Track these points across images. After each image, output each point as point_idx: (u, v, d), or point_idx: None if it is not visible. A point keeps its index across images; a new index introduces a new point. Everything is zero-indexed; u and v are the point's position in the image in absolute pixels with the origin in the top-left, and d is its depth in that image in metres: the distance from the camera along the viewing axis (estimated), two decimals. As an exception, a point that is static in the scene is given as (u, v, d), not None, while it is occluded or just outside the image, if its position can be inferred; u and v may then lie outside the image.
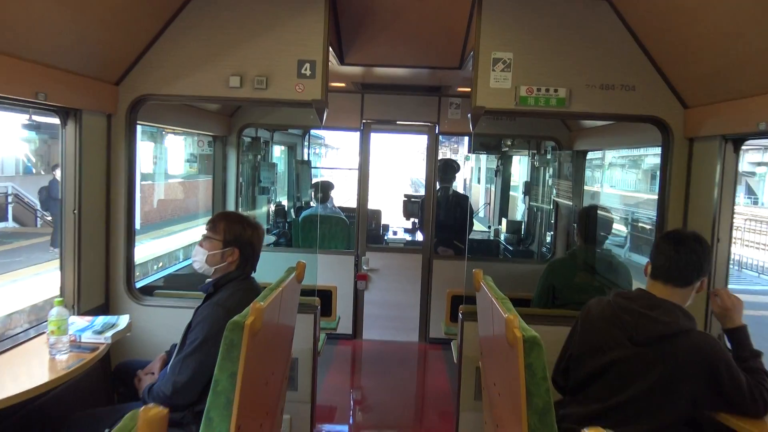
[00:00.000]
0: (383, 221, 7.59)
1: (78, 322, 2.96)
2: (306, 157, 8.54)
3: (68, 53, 2.84)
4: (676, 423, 2.27)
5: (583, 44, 3.29)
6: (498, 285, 2.80)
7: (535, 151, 6.96)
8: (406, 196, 7.55)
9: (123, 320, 2.98)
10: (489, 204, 9.30)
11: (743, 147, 3.08)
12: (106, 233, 3.45)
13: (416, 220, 7.53)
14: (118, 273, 3.49)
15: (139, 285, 3.85)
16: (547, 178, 6.53)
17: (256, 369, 2.19)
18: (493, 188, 9.42)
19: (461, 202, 6.61)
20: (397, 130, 6.52)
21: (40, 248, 14.07)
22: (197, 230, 5.63)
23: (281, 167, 8.64)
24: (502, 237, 7.79)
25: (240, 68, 3.37)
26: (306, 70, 3.34)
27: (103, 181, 3.39)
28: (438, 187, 6.17)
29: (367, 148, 5.97)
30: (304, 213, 6.95)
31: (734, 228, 3.16)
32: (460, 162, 8.93)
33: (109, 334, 2.82)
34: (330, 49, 3.55)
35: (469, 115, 3.38)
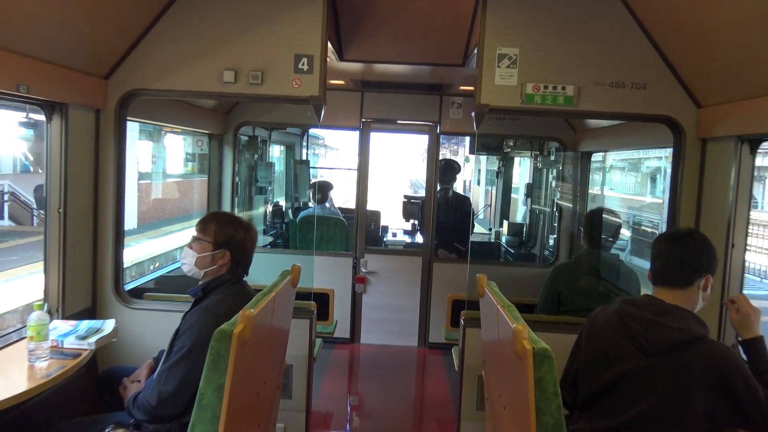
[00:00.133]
0: (382, 222, 7.45)
1: (61, 326, 2.82)
2: (304, 157, 8.41)
3: (53, 44, 2.70)
4: None
5: (592, 40, 3.16)
6: (500, 289, 2.68)
7: (538, 153, 6.83)
8: (405, 197, 7.42)
9: (108, 325, 2.84)
10: (490, 206, 9.17)
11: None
12: (93, 233, 3.31)
13: (416, 222, 7.39)
14: (106, 275, 3.35)
15: (128, 287, 3.72)
16: (550, 180, 6.40)
17: (245, 380, 2.06)
18: (492, 190, 9.29)
19: (462, 203, 6.48)
20: (397, 130, 6.37)
21: (36, 247, 13.90)
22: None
23: (280, 167, 8.51)
24: (503, 240, 7.67)
25: (234, 62, 3.24)
26: (303, 64, 3.21)
27: (90, 180, 3.26)
28: (438, 188, 6.03)
29: (366, 148, 5.83)
30: (302, 213, 6.82)
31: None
32: (461, 163, 8.78)
33: (93, 339, 2.68)
34: (329, 43, 3.42)
35: (473, 114, 3.25)
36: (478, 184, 17.41)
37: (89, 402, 3.02)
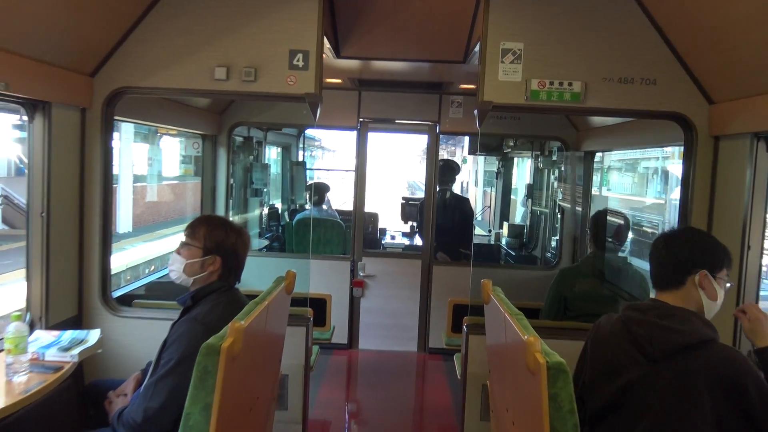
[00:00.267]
0: (380, 225, 7.30)
1: (43, 337, 2.67)
2: (301, 158, 8.27)
3: (35, 40, 2.56)
4: None
5: (600, 34, 3.04)
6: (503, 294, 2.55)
7: (539, 153, 6.69)
8: (404, 198, 7.28)
9: (93, 335, 2.69)
10: (489, 207, 9.03)
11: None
12: (79, 238, 3.16)
13: (414, 224, 7.26)
14: (93, 281, 3.20)
15: (117, 294, 3.58)
16: (552, 180, 6.26)
17: (236, 397, 1.91)
18: (491, 191, 9.16)
19: (461, 205, 6.34)
20: (395, 130, 6.23)
21: (30, 251, 13.69)
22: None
23: (276, 168, 8.38)
24: (503, 241, 7.53)
25: (226, 59, 3.10)
26: (298, 60, 3.07)
27: (75, 182, 3.11)
28: (437, 189, 5.90)
29: (364, 149, 5.69)
30: (298, 216, 6.69)
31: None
32: (459, 164, 8.63)
33: (76, 351, 2.53)
34: (325, 39, 3.28)
35: (475, 112, 3.12)
36: (476, 184, 17.28)
37: (73, 417, 2.87)
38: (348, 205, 6.89)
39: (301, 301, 3.33)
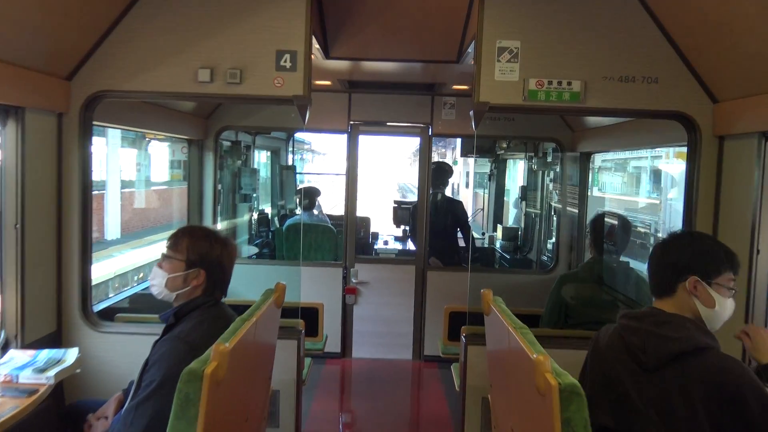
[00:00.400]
0: (372, 229, 7.17)
1: (18, 357, 2.51)
2: (290, 162, 8.13)
3: (6, 41, 2.40)
4: None
5: (600, 31, 2.93)
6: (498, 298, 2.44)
7: (532, 154, 6.59)
8: (396, 202, 7.16)
9: (70, 355, 2.53)
10: (482, 210, 8.92)
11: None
12: (57, 250, 3.00)
13: (407, 228, 7.13)
14: (72, 295, 3.04)
15: (99, 307, 3.43)
16: (547, 182, 6.16)
17: (222, 425, 1.77)
18: (483, 193, 9.06)
19: (453, 207, 6.22)
20: (387, 132, 6.10)
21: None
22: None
23: (266, 173, 8.23)
24: (498, 244, 7.42)
25: (210, 60, 2.96)
26: (286, 61, 2.94)
27: (53, 191, 2.95)
28: (431, 191, 5.77)
29: (354, 152, 5.56)
30: (289, 221, 6.54)
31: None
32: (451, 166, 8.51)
33: (52, 373, 2.37)
34: (314, 39, 3.15)
35: (471, 113, 2.99)
36: (467, 186, 17.18)
37: (53, 441, 2.72)
38: (339, 209, 6.77)
39: (291, 311, 3.19)
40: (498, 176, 8.03)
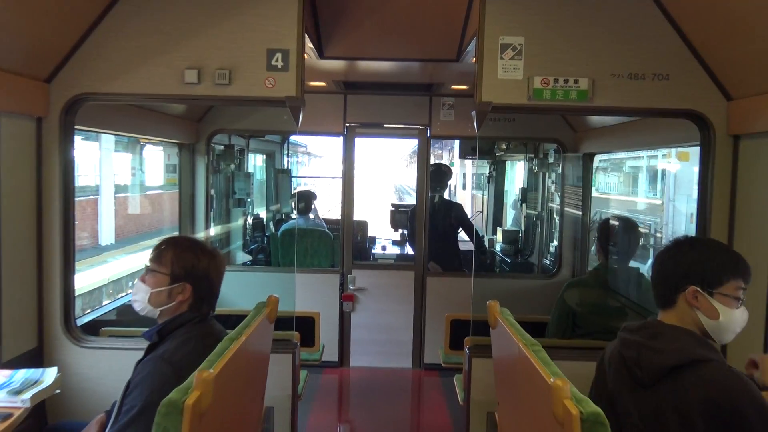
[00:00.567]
0: (370, 233, 7.01)
1: (-7, 377, 2.35)
2: (285, 166, 7.97)
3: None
4: None
5: (607, 26, 2.79)
6: (502, 305, 2.33)
7: (533, 155, 6.45)
8: (393, 205, 7.00)
9: (49, 375, 2.37)
10: (481, 212, 8.78)
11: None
12: (37, 261, 2.84)
13: (405, 231, 6.97)
14: (54, 308, 2.88)
15: (84, 320, 3.27)
16: (548, 184, 6.01)
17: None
18: (481, 195, 8.92)
19: (452, 210, 6.07)
20: (384, 134, 5.94)
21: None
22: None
23: (260, 177, 8.09)
24: (498, 248, 7.28)
25: (197, 60, 2.80)
26: (277, 61, 2.78)
27: (32, 199, 2.79)
28: (430, 194, 5.63)
29: (351, 155, 5.40)
30: (284, 226, 6.39)
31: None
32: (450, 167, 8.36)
33: (28, 395, 2.20)
34: (307, 38, 3.00)
35: (472, 114, 2.84)
36: (464, 188, 17.02)
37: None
38: (336, 213, 6.61)
39: (286, 322, 3.04)
40: (497, 178, 7.88)
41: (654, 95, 2.80)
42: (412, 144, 5.56)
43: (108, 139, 16.68)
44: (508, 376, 2.20)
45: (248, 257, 6.46)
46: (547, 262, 6.09)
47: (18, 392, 2.24)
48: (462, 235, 6.25)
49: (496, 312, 2.31)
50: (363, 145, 5.67)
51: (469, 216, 7.11)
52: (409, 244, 6.66)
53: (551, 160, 5.88)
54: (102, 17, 2.79)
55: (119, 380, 2.47)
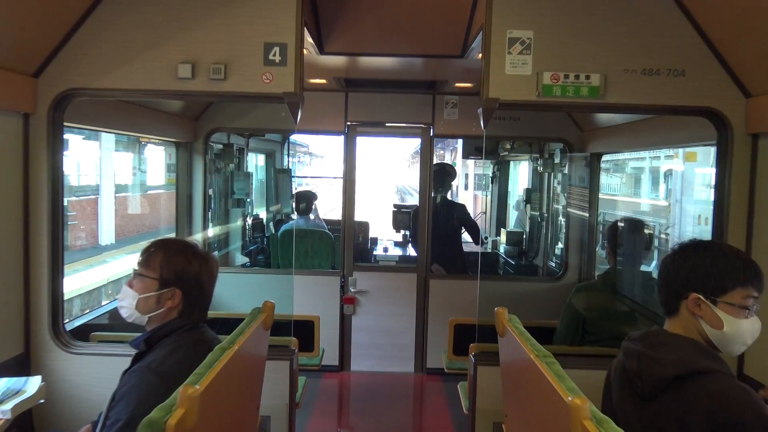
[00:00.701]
0: (371, 234, 6.89)
1: (-26, 386, 2.23)
2: (286, 166, 7.85)
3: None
4: None
5: (620, 19, 2.66)
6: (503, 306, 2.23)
7: (538, 155, 6.32)
8: (395, 206, 6.87)
9: (32, 384, 2.25)
10: (484, 213, 8.66)
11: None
12: (24, 263, 2.72)
13: (407, 232, 6.85)
14: (41, 313, 2.76)
15: (74, 324, 3.16)
16: (554, 184, 5.89)
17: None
18: (483, 195, 8.80)
19: (455, 212, 5.94)
20: (386, 134, 5.82)
21: None
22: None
23: (261, 176, 7.97)
24: (501, 249, 7.15)
25: (191, 54, 2.68)
26: (275, 55, 2.66)
27: (18, 198, 2.67)
28: (433, 195, 5.51)
29: (352, 154, 5.28)
30: (284, 227, 6.27)
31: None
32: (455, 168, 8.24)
33: (9, 406, 2.09)
34: (306, 32, 2.88)
35: (479, 111, 2.72)
36: (467, 189, 16.89)
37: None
38: (337, 214, 6.50)
39: (284, 326, 2.92)
40: (501, 178, 7.76)
41: (669, 92, 2.67)
42: (415, 143, 5.44)
43: (108, 138, 16.60)
44: (518, 388, 2.07)
45: (245, 260, 6.34)
46: (553, 264, 5.97)
47: (-1, 402, 2.12)
48: (464, 236, 6.13)
49: (504, 319, 2.19)
50: (364, 144, 5.55)
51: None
52: (412, 246, 6.54)
53: (557, 160, 5.75)
54: (92, 9, 2.68)
55: (110, 388, 2.34)
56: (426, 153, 5.32)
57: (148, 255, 2.05)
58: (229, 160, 6.05)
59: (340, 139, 5.33)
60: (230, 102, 4.80)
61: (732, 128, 2.65)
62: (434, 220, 5.46)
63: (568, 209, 5.40)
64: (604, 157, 5.06)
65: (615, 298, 3.30)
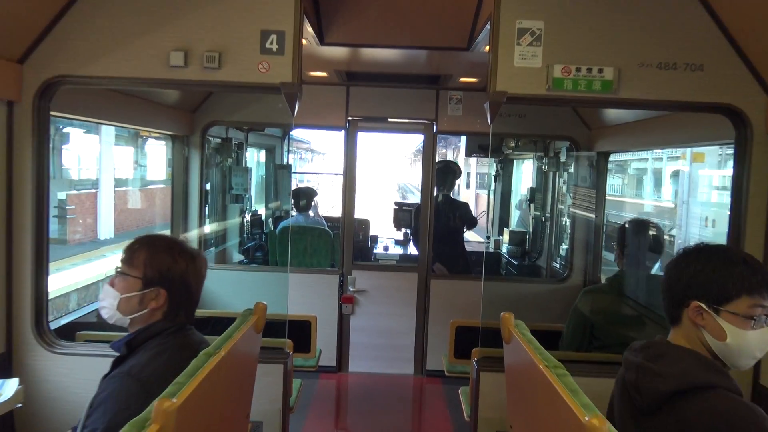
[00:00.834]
0: (371, 232, 6.77)
1: (-51, 388, 2.11)
2: (286, 161, 7.73)
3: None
4: None
5: (636, 9, 2.53)
6: (506, 309, 2.15)
7: (542, 154, 6.19)
8: (397, 203, 6.74)
9: (8, 387, 2.14)
10: (486, 212, 8.53)
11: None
12: (6, 259, 2.60)
13: (408, 231, 6.73)
14: (24, 310, 2.63)
15: (60, 323, 3.03)
16: (559, 183, 5.75)
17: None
18: (485, 194, 8.68)
19: (458, 210, 5.82)
20: (388, 129, 5.68)
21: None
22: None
23: (261, 172, 7.85)
24: (504, 249, 7.03)
25: (184, 41, 2.56)
26: (272, 43, 2.54)
27: (1, 190, 2.55)
28: (435, 193, 5.39)
29: (353, 150, 5.16)
30: (282, 224, 6.15)
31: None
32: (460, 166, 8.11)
33: (-18, 410, 1.97)
34: (306, 22, 2.75)
35: (486, 105, 2.59)
36: (468, 187, 16.80)
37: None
38: (337, 211, 6.39)
39: (278, 326, 2.80)
40: (504, 177, 7.62)
41: (686, 87, 2.54)
42: (417, 140, 5.31)
43: (108, 131, 16.50)
44: (525, 399, 1.95)
45: (241, 257, 6.21)
46: (557, 265, 5.84)
47: (-27, 406, 2.00)
48: (467, 236, 6.02)
49: (511, 325, 2.07)
50: (366, 140, 5.43)
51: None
52: (414, 244, 6.42)
53: (563, 159, 5.62)
54: None
55: (95, 389, 2.24)
56: (429, 150, 5.19)
57: (131, 252, 1.92)
58: (228, 154, 5.93)
59: (342, 135, 5.21)
60: (226, 93, 4.69)
61: (752, 126, 2.52)
62: (436, 218, 5.34)
63: (574, 209, 5.27)
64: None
65: (624, 303, 3.17)
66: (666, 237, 8.14)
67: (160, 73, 2.57)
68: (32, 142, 2.59)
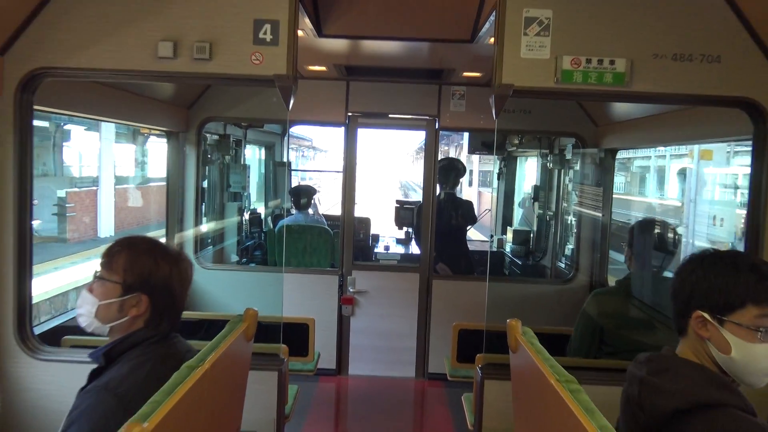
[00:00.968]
0: (372, 231, 6.64)
1: None
2: (285, 159, 7.60)
3: None
4: None
5: None
6: (509, 311, 2.06)
7: (547, 151, 6.05)
8: (398, 202, 6.62)
9: (-17, 398, 2.01)
10: (489, 210, 8.40)
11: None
12: None
13: (410, 229, 6.60)
14: (5, 315, 2.52)
15: (45, 328, 2.91)
16: (565, 181, 5.61)
17: None
18: (488, 192, 8.55)
19: (461, 209, 5.69)
20: (389, 125, 5.53)
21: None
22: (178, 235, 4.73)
23: (261, 169, 7.73)
24: (507, 248, 6.89)
25: (173, 31, 2.43)
26: (265, 33, 2.41)
27: None
28: (438, 191, 5.25)
29: (353, 147, 5.02)
30: (281, 222, 6.03)
31: None
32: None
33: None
34: (303, 11, 2.62)
35: (491, 99, 2.46)
36: (471, 185, 16.68)
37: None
38: (338, 209, 6.26)
39: (273, 329, 2.67)
40: (508, 175, 7.49)
41: (702, 80, 2.41)
42: (420, 136, 5.17)
43: (109, 128, 16.39)
44: (533, 413, 1.82)
45: (236, 258, 6.09)
46: (562, 265, 5.70)
47: (-55, 418, 1.88)
48: (469, 234, 5.90)
49: (518, 333, 1.94)
50: (366, 136, 5.29)
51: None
52: (416, 243, 6.29)
53: (568, 156, 5.48)
54: None
55: (76, 401, 2.11)
56: (431, 146, 5.06)
57: (110, 255, 1.79)
58: (225, 151, 5.81)
59: (339, 130, 5.08)
60: (218, 86, 4.56)
61: None
62: (439, 217, 5.21)
63: (580, 208, 5.14)
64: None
65: (635, 306, 3.03)
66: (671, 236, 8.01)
67: (148, 65, 2.45)
68: (14, 137, 2.47)
